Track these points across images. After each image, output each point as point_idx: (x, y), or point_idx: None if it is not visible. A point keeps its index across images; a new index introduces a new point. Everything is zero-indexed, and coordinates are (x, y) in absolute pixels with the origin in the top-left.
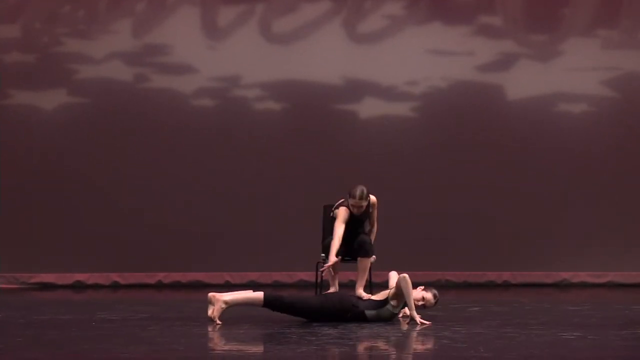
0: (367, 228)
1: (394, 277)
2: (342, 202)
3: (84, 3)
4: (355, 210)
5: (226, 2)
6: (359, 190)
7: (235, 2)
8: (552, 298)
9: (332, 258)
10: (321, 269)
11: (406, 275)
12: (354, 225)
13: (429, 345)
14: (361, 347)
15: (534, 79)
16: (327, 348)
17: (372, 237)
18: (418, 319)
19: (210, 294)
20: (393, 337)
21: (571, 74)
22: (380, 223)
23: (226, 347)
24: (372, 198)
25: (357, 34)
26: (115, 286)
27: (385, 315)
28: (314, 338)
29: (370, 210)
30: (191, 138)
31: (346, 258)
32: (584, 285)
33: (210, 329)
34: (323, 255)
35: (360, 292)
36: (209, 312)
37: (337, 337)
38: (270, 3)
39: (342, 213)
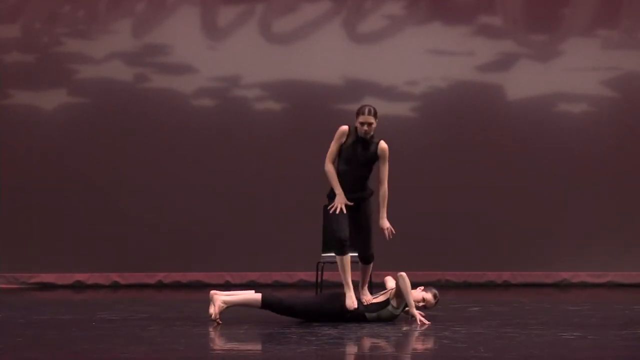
0: (370, 193)
1: (390, 281)
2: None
3: (84, 3)
4: (363, 130)
5: (226, 2)
6: (367, 107)
7: (235, 2)
8: (552, 298)
9: (343, 198)
10: (330, 208)
11: (404, 273)
12: (358, 166)
13: (429, 345)
14: (361, 347)
15: (534, 79)
16: (327, 348)
17: (383, 205)
18: (418, 316)
19: (212, 292)
20: (393, 337)
21: (571, 74)
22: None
23: (226, 347)
24: (383, 144)
25: (357, 34)
26: (115, 286)
27: (385, 316)
28: (314, 338)
29: (380, 161)
30: (191, 138)
31: (348, 204)
32: (584, 285)
33: (210, 328)
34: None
35: (365, 292)
36: (210, 310)
37: (337, 337)
38: (270, 3)
39: (339, 134)
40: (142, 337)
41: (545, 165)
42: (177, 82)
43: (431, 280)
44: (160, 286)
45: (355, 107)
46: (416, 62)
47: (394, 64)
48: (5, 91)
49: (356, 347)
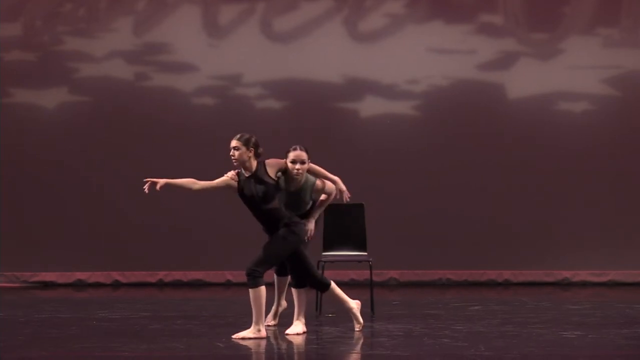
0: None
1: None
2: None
3: (85, 1)
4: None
5: (227, 1)
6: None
7: (236, 0)
8: (553, 297)
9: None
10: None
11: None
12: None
13: (430, 344)
14: (361, 347)
15: (534, 78)
16: (327, 348)
17: (339, 186)
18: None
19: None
20: (394, 336)
21: (572, 72)
22: (381, 221)
23: (226, 346)
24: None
25: (358, 32)
26: (116, 285)
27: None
28: (314, 338)
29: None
30: (192, 136)
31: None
32: (584, 284)
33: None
34: None
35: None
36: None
37: (337, 336)
38: (271, 1)
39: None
40: (142, 335)
41: (546, 164)
42: (177, 80)
43: (432, 279)
44: (161, 285)
45: (356, 105)
46: (417, 61)
47: (395, 63)
48: (6, 90)
49: (357, 346)
